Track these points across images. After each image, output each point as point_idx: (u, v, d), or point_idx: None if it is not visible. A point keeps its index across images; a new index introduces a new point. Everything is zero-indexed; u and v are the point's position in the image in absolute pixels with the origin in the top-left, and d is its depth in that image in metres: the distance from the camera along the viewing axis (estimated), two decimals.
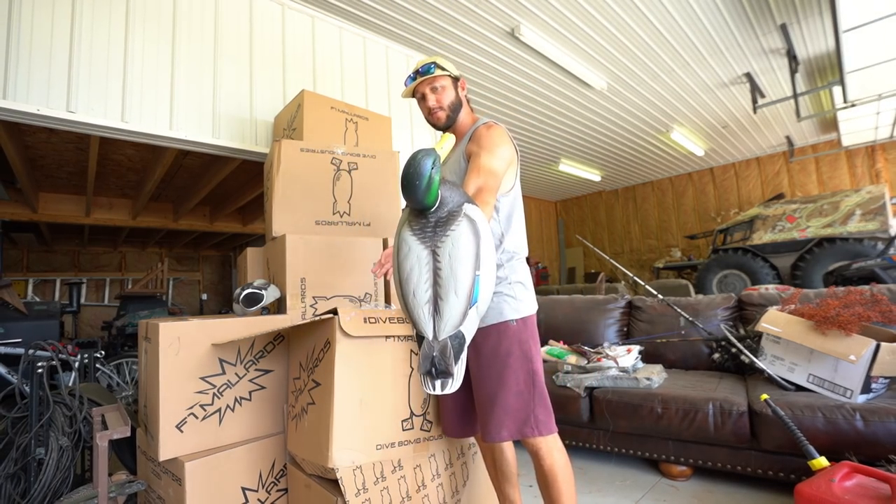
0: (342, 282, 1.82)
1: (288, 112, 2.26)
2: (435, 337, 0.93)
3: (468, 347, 1.13)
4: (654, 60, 4.63)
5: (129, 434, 1.40)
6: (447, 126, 1.47)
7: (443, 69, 1.43)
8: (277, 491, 1.59)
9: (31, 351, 1.89)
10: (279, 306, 1.78)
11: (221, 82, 2.35)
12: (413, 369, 1.48)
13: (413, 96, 1.50)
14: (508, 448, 1.47)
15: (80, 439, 1.82)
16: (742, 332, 2.49)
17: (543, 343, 2.83)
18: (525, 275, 1.38)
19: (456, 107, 1.46)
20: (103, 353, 3.32)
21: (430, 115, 1.47)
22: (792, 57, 4.51)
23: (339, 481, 1.26)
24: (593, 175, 9.15)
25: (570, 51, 4.33)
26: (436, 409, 1.52)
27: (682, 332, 2.68)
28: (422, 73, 1.43)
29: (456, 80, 1.47)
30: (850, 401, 1.75)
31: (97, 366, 2.94)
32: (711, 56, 4.62)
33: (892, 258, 4.29)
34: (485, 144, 1.31)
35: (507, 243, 1.37)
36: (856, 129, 6.03)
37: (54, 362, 1.97)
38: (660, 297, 2.85)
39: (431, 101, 1.44)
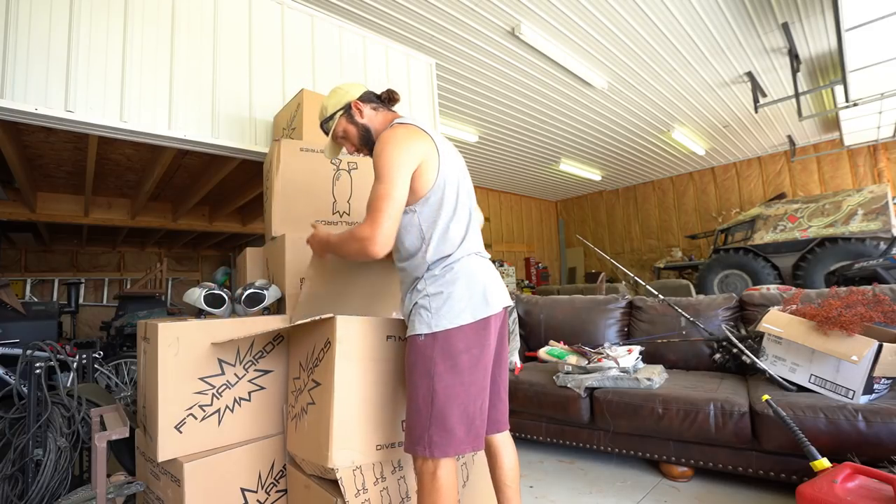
0: None
1: (287, 111, 2.25)
2: None
3: None
4: (655, 60, 4.62)
5: (127, 435, 1.39)
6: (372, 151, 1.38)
7: (330, 117, 1.40)
8: (277, 492, 1.58)
9: (29, 351, 1.88)
10: (279, 306, 1.77)
11: (220, 81, 2.34)
12: None
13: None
14: (508, 456, 1.40)
15: (78, 440, 1.81)
16: (743, 332, 2.48)
17: (544, 343, 2.82)
18: (450, 283, 1.23)
19: (365, 137, 1.39)
20: (102, 353, 3.31)
21: (358, 154, 1.46)
22: (794, 56, 4.50)
23: (339, 481, 1.25)
24: (594, 175, 9.14)
25: (570, 50, 4.32)
26: None
27: (683, 333, 2.67)
28: (325, 131, 1.45)
29: (348, 109, 1.38)
30: (852, 401, 1.74)
31: (96, 366, 2.93)
32: (713, 55, 4.62)
33: (894, 258, 4.27)
34: (375, 164, 1.24)
35: (429, 253, 1.25)
36: (858, 128, 6.03)
37: (52, 363, 1.96)
38: (660, 297, 2.84)
39: (349, 148, 1.44)
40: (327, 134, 1.44)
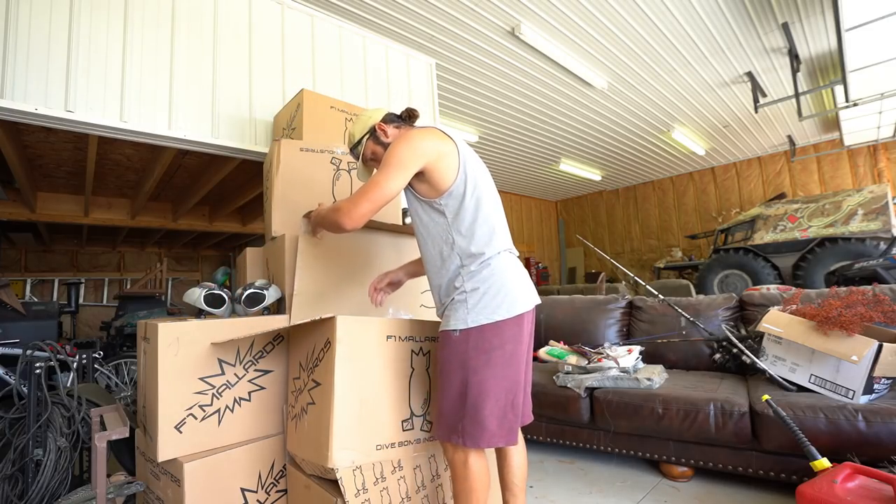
0: None
1: (287, 111, 2.25)
2: None
3: None
4: (656, 59, 4.62)
5: (127, 435, 1.39)
6: None
7: (358, 143, 1.49)
8: (277, 492, 1.58)
9: (28, 351, 1.88)
10: (279, 306, 1.77)
11: (220, 81, 2.34)
12: (413, 369, 1.47)
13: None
14: (518, 455, 1.43)
15: (78, 440, 1.81)
16: (743, 332, 2.48)
17: (543, 343, 2.82)
18: (486, 280, 1.27)
19: None
20: (102, 353, 3.31)
21: None
22: (794, 56, 4.50)
23: (339, 481, 1.25)
24: (594, 175, 9.14)
25: (570, 50, 4.32)
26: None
27: (683, 333, 2.67)
28: (355, 157, 1.53)
29: (373, 132, 1.47)
30: (852, 401, 1.74)
31: (96, 366, 2.93)
32: (713, 55, 4.62)
33: (894, 258, 4.27)
34: (383, 159, 1.32)
35: (459, 248, 1.30)
36: (858, 128, 6.03)
37: (52, 363, 1.96)
38: (660, 297, 2.84)
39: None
40: (357, 158, 1.52)
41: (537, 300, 1.38)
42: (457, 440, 1.24)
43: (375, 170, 1.49)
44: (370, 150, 1.48)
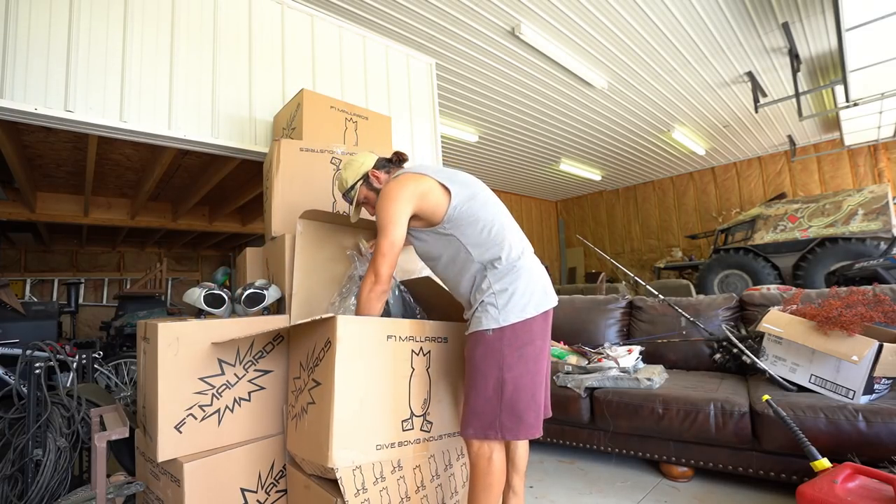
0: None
1: (287, 111, 2.24)
2: None
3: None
4: (656, 59, 4.62)
5: (127, 435, 1.39)
6: None
7: (351, 188, 1.58)
8: (277, 492, 1.58)
9: (28, 351, 1.88)
10: (279, 306, 1.77)
11: (220, 81, 2.34)
12: (414, 369, 1.47)
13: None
14: (521, 449, 1.53)
15: (78, 440, 1.81)
16: (743, 332, 2.48)
17: None
18: (513, 281, 1.35)
19: None
20: (102, 353, 3.31)
21: None
22: (794, 56, 4.50)
23: (339, 481, 1.25)
24: (594, 175, 9.14)
25: (570, 50, 4.32)
26: (436, 409, 1.51)
27: (684, 333, 2.67)
28: (348, 201, 1.62)
29: (366, 178, 1.56)
30: (852, 402, 1.74)
31: (95, 366, 2.93)
32: (713, 55, 4.61)
33: (894, 258, 4.27)
34: (377, 219, 1.43)
35: (478, 258, 1.39)
36: (858, 128, 6.03)
37: (52, 363, 1.96)
38: (661, 297, 2.84)
39: (370, 210, 1.59)
40: (350, 203, 1.62)
41: (556, 297, 1.46)
42: (494, 435, 1.30)
43: (366, 211, 1.62)
44: (363, 195, 1.57)
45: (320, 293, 1.75)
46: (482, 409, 1.31)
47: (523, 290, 1.34)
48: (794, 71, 4.66)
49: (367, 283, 1.39)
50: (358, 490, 1.28)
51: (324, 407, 1.32)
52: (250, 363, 1.60)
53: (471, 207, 1.41)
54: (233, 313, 1.69)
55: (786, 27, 4.11)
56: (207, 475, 1.43)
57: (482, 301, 1.35)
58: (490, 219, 1.41)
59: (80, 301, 6.58)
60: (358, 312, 1.43)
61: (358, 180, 1.57)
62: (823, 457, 1.49)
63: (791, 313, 2.09)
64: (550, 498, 1.99)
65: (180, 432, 1.43)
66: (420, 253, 1.55)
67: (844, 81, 4.21)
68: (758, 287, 5.27)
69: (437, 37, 3.82)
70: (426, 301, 1.79)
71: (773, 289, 4.40)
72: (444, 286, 1.58)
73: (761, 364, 2.10)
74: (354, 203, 1.61)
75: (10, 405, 1.84)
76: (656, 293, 2.88)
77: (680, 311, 2.66)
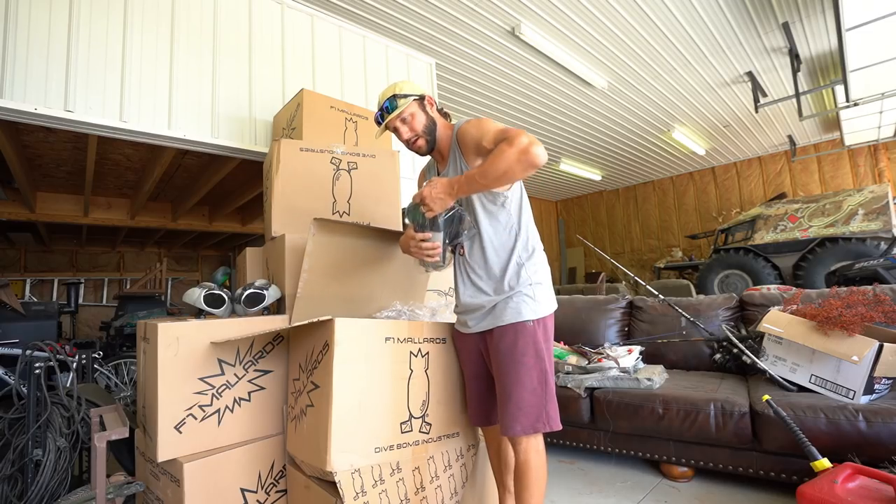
0: None
1: (287, 111, 2.24)
2: None
3: (489, 344, 1.37)
4: (656, 59, 4.62)
5: (127, 435, 1.39)
6: (430, 150, 1.47)
7: (405, 96, 1.41)
8: (277, 492, 1.58)
9: (28, 351, 1.88)
10: (279, 306, 1.77)
11: (220, 81, 2.34)
12: (412, 371, 1.47)
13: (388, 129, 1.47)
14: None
15: (77, 440, 1.81)
16: (744, 332, 2.48)
17: None
18: (545, 274, 1.39)
19: (431, 128, 1.44)
20: (101, 353, 3.31)
21: (410, 146, 1.46)
22: (794, 56, 4.49)
23: (338, 485, 1.25)
24: (594, 175, 9.13)
25: (570, 50, 4.31)
26: (435, 411, 1.51)
27: (684, 333, 2.67)
28: (387, 110, 1.41)
29: (421, 99, 1.44)
30: (852, 402, 1.74)
31: (95, 366, 2.93)
32: (713, 55, 4.61)
33: (894, 258, 4.26)
34: (482, 128, 1.31)
35: (523, 238, 1.37)
36: (858, 128, 6.02)
37: (52, 363, 1.96)
38: (661, 297, 2.84)
39: (405, 132, 1.43)
40: (384, 116, 1.42)
41: None
42: (542, 427, 1.29)
43: (393, 136, 1.49)
44: (410, 111, 1.41)
45: (325, 295, 1.75)
46: (528, 403, 1.29)
47: (549, 284, 1.39)
48: (795, 71, 4.65)
49: (517, 143, 1.14)
50: (357, 493, 1.28)
51: (322, 410, 1.32)
52: (250, 363, 1.59)
53: (523, 192, 1.43)
54: (233, 313, 1.69)
55: (786, 27, 4.10)
56: (207, 475, 1.43)
57: (519, 291, 1.33)
58: (529, 205, 1.43)
59: (80, 301, 6.58)
60: (489, 169, 1.19)
61: (414, 95, 1.42)
62: (823, 457, 1.49)
63: (791, 313, 2.09)
64: (550, 498, 1.99)
65: (180, 432, 1.43)
66: (480, 205, 1.38)
67: (844, 81, 4.21)
68: (758, 287, 5.27)
69: (437, 37, 3.81)
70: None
71: (773, 289, 4.40)
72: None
73: (761, 364, 2.10)
74: (395, 116, 1.40)
75: (10, 405, 1.84)
76: (656, 293, 2.88)
77: (680, 311, 2.66)
